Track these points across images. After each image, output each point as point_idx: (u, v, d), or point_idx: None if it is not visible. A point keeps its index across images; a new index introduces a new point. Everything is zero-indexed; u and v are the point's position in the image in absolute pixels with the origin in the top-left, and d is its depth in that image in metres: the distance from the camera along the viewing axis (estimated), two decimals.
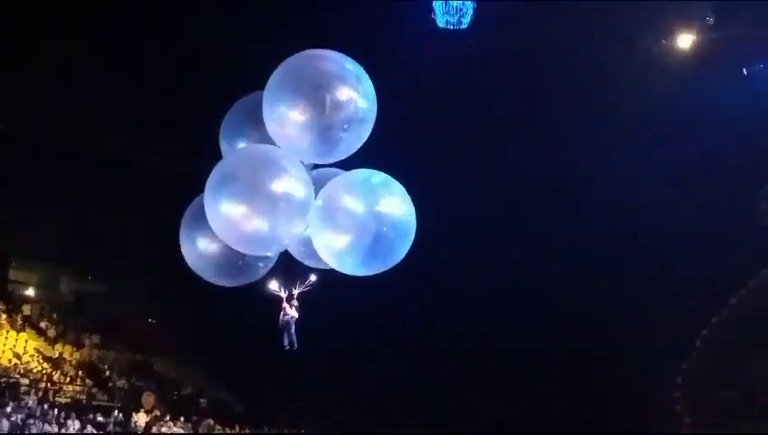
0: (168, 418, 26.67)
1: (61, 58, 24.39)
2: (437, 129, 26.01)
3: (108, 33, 24.24)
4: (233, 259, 10.59)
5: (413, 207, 10.13)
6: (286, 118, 9.81)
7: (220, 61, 24.03)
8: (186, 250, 10.79)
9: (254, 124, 10.48)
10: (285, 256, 10.96)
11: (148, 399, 27.02)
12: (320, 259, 10.37)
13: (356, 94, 9.87)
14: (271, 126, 9.96)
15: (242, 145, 10.80)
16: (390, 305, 25.38)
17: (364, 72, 10.12)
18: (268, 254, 10.82)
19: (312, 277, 11.60)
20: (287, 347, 12.30)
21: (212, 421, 27.74)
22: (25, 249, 29.02)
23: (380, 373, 28.78)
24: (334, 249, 10.05)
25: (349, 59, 10.12)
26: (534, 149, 25.40)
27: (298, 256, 11.01)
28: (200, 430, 27.10)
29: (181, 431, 26.43)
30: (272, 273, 11.30)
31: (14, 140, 25.89)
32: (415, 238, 10.18)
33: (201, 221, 10.24)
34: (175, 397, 29.44)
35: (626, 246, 26.42)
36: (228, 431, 27.87)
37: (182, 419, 26.95)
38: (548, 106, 25.25)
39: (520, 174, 26.27)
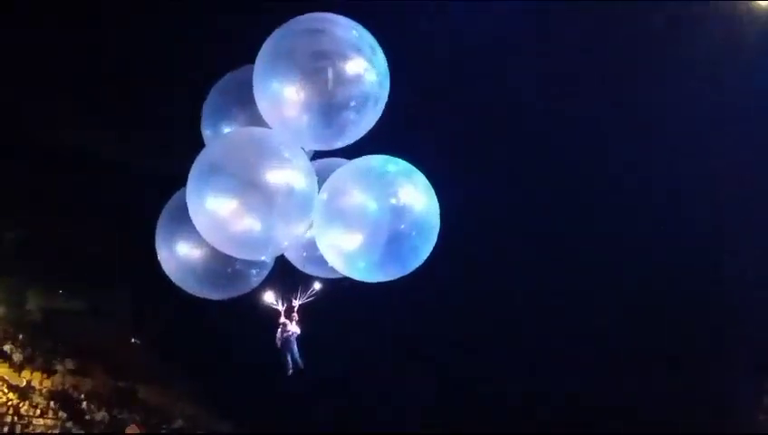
0: None
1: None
2: (461, 107, 24.66)
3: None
4: (220, 267, 9.64)
5: (436, 200, 9.09)
6: (281, 96, 8.82)
7: (204, 33, 22.38)
8: (163, 257, 9.80)
9: (243, 104, 9.62)
10: (282, 263, 10.06)
11: (133, 431, 25.04)
12: (323, 266, 9.49)
13: (366, 67, 8.82)
14: (264, 106, 9.01)
15: (228, 130, 9.87)
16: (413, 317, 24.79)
17: (376, 41, 9.05)
18: (262, 259, 9.79)
19: (316, 286, 10.72)
20: (291, 370, 11.44)
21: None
22: None
23: (405, 402, 27.68)
24: (343, 251, 9.03)
25: (358, 25, 9.06)
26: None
27: (298, 264, 10.03)
28: None
29: None
30: (267, 282, 10.34)
31: None
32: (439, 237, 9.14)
33: (181, 221, 9.31)
34: (164, 431, 27.42)
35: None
36: None
37: None
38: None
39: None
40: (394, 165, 9.05)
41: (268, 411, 26.06)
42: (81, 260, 26.12)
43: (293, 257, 9.92)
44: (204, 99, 10.16)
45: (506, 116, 25.01)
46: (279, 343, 11.25)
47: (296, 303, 10.94)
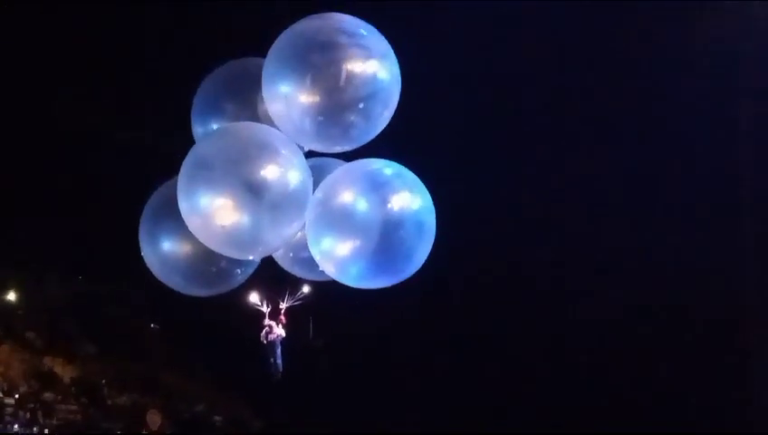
0: None
1: None
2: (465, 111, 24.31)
3: None
4: (205, 264, 9.53)
5: (433, 206, 9.09)
6: (290, 95, 8.69)
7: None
8: (147, 253, 9.73)
9: (236, 99, 9.64)
10: (269, 263, 9.93)
11: (154, 418, 25.79)
12: (311, 268, 9.53)
13: (378, 68, 8.71)
14: (273, 105, 8.87)
15: (219, 125, 9.63)
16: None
17: (389, 44, 8.97)
18: (250, 258, 9.69)
19: (305, 289, 10.53)
20: (272, 375, 11.55)
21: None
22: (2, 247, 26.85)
23: (419, 390, 27.74)
24: (335, 256, 8.98)
25: (369, 25, 8.98)
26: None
27: (285, 265, 9.98)
28: None
29: None
30: (252, 281, 10.24)
31: None
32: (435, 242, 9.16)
33: (165, 217, 9.38)
34: (185, 415, 27.86)
35: None
36: None
37: None
38: None
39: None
40: (391, 169, 9.02)
41: (291, 395, 26.32)
42: (102, 244, 25.63)
43: (281, 258, 9.84)
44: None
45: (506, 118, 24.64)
46: (263, 344, 11.21)
47: (283, 305, 10.80)
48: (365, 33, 8.86)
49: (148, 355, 29.04)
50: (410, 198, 8.86)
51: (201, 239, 8.84)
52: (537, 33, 22.49)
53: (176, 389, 28.07)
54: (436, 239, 9.12)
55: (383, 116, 8.95)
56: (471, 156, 24.72)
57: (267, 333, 11.02)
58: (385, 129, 9.10)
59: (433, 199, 9.15)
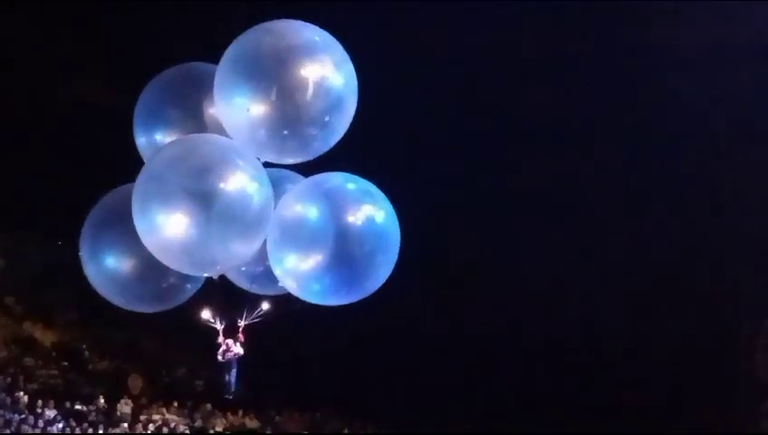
0: (159, 404, 25.90)
1: None
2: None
3: None
4: (154, 281, 9.45)
5: (397, 220, 9.13)
6: (244, 106, 8.66)
7: None
8: (89, 269, 9.65)
9: (181, 106, 9.42)
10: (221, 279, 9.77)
11: (136, 382, 26.45)
12: (266, 284, 9.54)
13: (336, 78, 8.77)
14: (225, 116, 8.86)
15: (162, 135, 9.53)
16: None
17: (345, 52, 9.04)
18: (207, 275, 9.66)
19: (264, 305, 10.30)
20: (224, 393, 11.39)
21: (210, 406, 26.23)
22: None
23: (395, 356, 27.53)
24: (297, 272, 9.00)
25: (323, 32, 9.05)
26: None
27: (237, 280, 9.95)
28: (197, 417, 25.90)
29: (175, 418, 25.45)
30: (206, 298, 10.15)
31: None
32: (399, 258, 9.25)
33: (111, 230, 9.26)
34: (166, 379, 28.40)
35: None
36: (231, 417, 26.75)
37: (175, 404, 26.10)
38: None
39: None
40: (353, 183, 9.11)
41: (275, 359, 26.18)
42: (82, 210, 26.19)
43: (236, 275, 9.75)
44: None
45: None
46: (220, 360, 10.93)
47: (242, 323, 10.55)
48: (322, 41, 8.99)
49: (128, 322, 29.02)
50: (373, 212, 8.97)
51: (156, 255, 8.74)
52: (494, 36, 22.58)
53: (156, 354, 28.14)
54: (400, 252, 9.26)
55: (342, 127, 9.09)
56: (426, 163, 25.06)
57: (224, 352, 10.80)
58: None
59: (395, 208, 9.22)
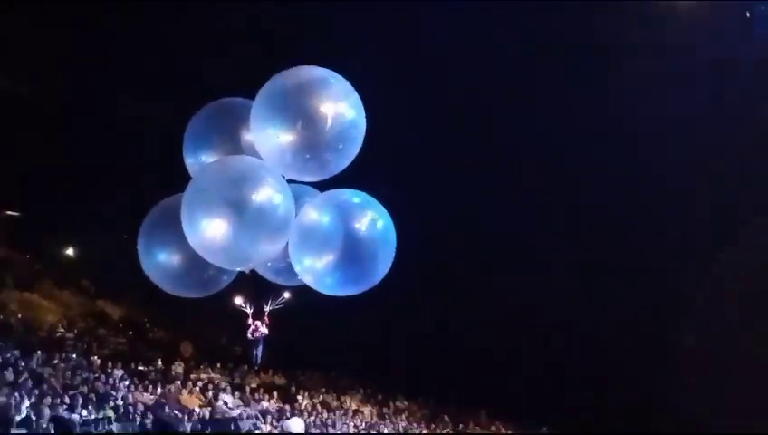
0: (205, 365, 25.65)
1: None
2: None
3: None
4: (197, 273, 9.53)
5: (393, 226, 9.23)
6: (276, 137, 8.72)
7: None
8: (144, 262, 9.80)
9: (222, 133, 9.47)
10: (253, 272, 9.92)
11: (186, 348, 26.37)
12: (288, 276, 9.64)
13: (350, 112, 8.80)
14: (260, 144, 8.93)
15: (207, 156, 9.52)
16: None
17: (353, 88, 9.10)
18: (240, 269, 9.76)
19: (286, 295, 10.55)
20: (254, 366, 12.02)
21: (246, 367, 26.13)
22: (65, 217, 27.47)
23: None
24: (313, 269, 9.10)
25: (336, 74, 9.06)
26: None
27: (269, 276, 10.03)
28: (236, 376, 25.75)
29: (218, 377, 25.29)
30: (239, 287, 10.33)
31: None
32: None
33: (163, 230, 9.33)
34: (211, 346, 28.20)
35: None
36: (263, 376, 26.59)
37: (218, 365, 25.94)
38: None
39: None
40: (358, 197, 9.29)
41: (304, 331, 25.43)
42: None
43: (263, 269, 9.91)
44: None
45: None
46: (251, 337, 11.28)
47: (267, 308, 10.80)
48: (336, 82, 9.22)
49: (180, 301, 28.98)
50: (374, 220, 9.10)
51: (199, 253, 8.91)
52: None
53: (202, 327, 28.08)
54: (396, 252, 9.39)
55: (353, 152, 9.20)
56: (417, 180, 23.82)
57: (253, 331, 11.10)
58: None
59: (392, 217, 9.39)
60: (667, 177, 22.47)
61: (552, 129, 23.09)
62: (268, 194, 8.59)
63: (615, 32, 20.39)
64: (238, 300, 10.80)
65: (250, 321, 10.87)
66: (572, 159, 23.26)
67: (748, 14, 19.90)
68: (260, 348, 11.23)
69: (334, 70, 9.03)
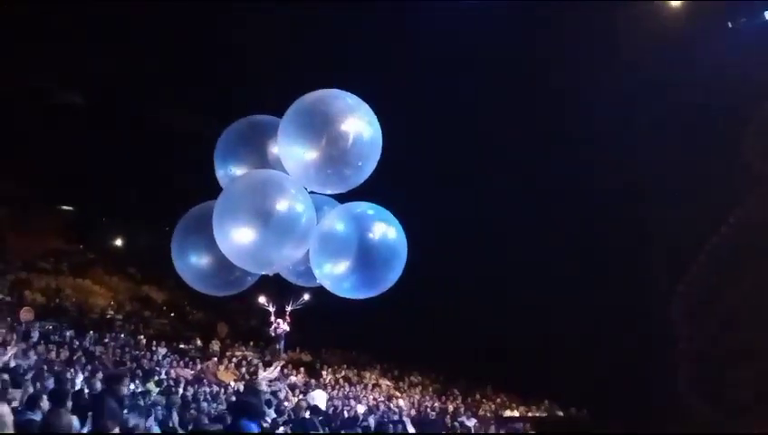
0: (239, 343, 26.53)
1: None
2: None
3: None
4: (226, 274, 9.11)
5: (404, 235, 8.91)
6: (301, 154, 8.55)
7: None
8: (177, 263, 9.34)
9: (249, 147, 9.14)
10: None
11: (223, 328, 27.28)
12: (308, 279, 9.17)
13: (370, 130, 8.63)
14: (286, 160, 8.74)
15: (236, 169, 9.27)
16: None
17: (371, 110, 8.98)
18: (264, 273, 9.30)
19: (306, 296, 9.27)
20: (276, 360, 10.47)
21: (277, 346, 26.33)
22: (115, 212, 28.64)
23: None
24: (330, 273, 8.83)
25: (353, 96, 8.90)
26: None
27: (291, 278, 9.47)
28: (267, 354, 26.20)
29: (251, 354, 25.89)
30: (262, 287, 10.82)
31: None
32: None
33: (195, 235, 8.94)
34: (244, 327, 28.75)
35: None
36: (291, 353, 26.74)
37: (251, 344, 26.62)
38: None
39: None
40: (373, 209, 9.08)
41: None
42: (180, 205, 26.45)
43: (286, 273, 9.82)
44: None
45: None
46: (273, 334, 11.19)
47: (289, 308, 10.72)
48: (355, 103, 9.06)
49: None
50: (387, 230, 8.98)
51: (227, 256, 8.75)
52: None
53: (237, 309, 28.40)
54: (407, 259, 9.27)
55: (369, 169, 9.25)
56: (426, 193, 22.85)
57: (276, 328, 11.04)
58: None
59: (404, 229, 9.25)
60: (667, 177, 21.55)
61: (557, 131, 22.35)
62: (291, 204, 8.63)
63: (615, 33, 19.88)
64: (262, 299, 10.65)
65: (272, 319, 10.85)
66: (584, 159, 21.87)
67: (730, 25, 19.64)
68: (282, 343, 11.30)
69: (347, 86, 8.80)
